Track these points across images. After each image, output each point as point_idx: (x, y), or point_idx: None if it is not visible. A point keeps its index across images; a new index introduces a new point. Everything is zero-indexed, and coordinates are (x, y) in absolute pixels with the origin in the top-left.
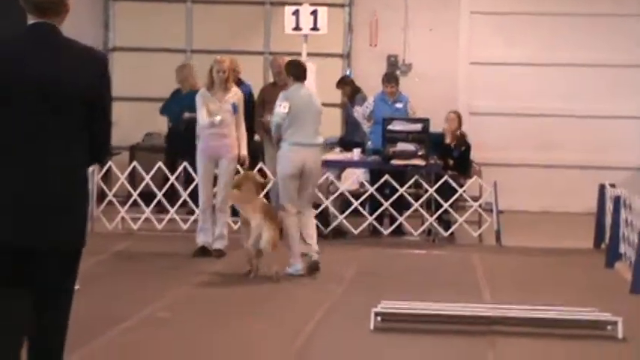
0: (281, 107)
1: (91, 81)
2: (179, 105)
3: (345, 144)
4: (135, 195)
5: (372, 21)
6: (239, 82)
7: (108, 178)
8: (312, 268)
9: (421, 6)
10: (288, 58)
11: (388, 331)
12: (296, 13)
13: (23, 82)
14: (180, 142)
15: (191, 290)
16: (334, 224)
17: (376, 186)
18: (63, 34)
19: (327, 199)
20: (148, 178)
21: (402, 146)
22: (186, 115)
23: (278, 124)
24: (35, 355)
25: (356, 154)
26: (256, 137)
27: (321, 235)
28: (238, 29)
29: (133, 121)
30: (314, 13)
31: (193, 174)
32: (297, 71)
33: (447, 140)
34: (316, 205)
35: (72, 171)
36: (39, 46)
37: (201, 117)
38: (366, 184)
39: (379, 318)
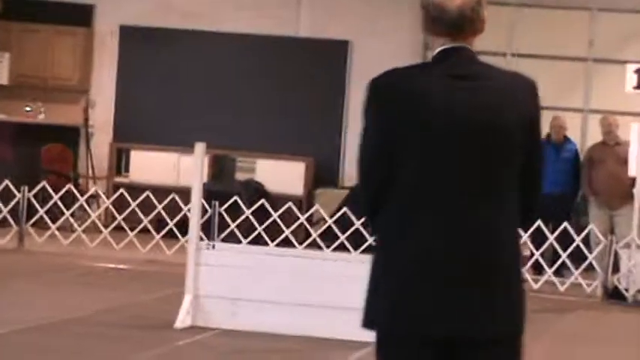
0: None
1: (524, 118)
2: None
3: None
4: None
5: None
6: (565, 139)
7: None
8: None
9: None
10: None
11: None
12: (638, 71)
13: (441, 122)
14: None
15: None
16: None
17: None
18: (479, 58)
19: None
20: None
21: None
22: None
23: None
24: None
25: None
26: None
27: None
28: (557, 84)
29: None
30: None
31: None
32: None
33: None
34: None
35: (507, 236)
36: (457, 77)
37: None
38: None
39: None
